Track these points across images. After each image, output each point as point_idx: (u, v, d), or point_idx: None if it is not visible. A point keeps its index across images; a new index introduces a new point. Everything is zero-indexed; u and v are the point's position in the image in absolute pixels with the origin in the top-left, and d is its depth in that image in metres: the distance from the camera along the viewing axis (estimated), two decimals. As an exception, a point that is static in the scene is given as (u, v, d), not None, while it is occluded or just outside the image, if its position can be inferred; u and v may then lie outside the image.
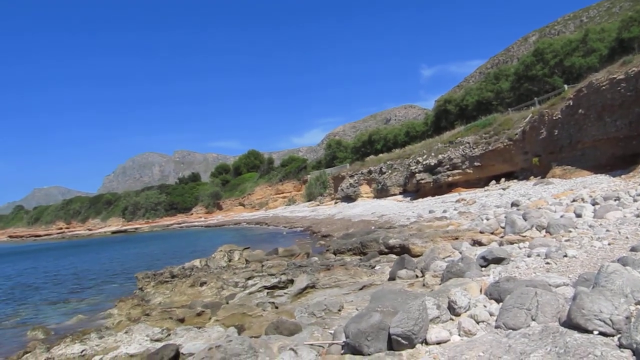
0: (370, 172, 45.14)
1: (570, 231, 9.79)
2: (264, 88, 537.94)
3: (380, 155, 48.76)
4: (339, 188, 49.82)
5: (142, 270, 16.94)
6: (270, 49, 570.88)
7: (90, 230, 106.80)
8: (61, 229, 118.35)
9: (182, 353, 6.92)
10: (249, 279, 13.18)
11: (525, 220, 11.57)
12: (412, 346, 4.82)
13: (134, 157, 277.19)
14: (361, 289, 9.80)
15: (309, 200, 62.65)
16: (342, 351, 5.22)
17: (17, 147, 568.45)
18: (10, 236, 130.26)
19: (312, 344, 5.52)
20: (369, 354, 4.87)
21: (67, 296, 16.58)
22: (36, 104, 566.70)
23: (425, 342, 4.91)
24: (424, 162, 34.91)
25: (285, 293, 10.76)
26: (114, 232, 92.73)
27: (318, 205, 54.92)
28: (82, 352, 7.94)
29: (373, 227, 22.14)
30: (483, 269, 8.22)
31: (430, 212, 23.51)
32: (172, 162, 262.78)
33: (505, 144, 28.45)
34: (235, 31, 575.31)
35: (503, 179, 28.30)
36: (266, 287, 11.56)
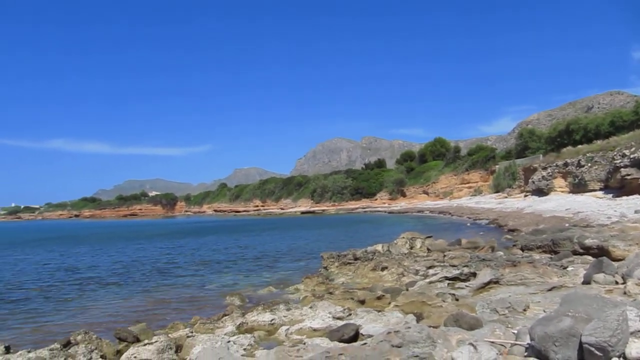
0: (566, 164, 41.80)
1: None
2: (452, 74, 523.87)
3: (579, 146, 44.80)
4: (530, 180, 46.99)
5: (327, 250, 17.79)
6: (459, 34, 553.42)
7: (282, 209, 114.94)
8: (257, 206, 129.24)
9: (361, 334, 7.13)
10: (430, 268, 13.12)
11: None
12: (607, 359, 4.40)
13: (324, 142, 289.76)
14: (550, 289, 9.17)
15: (496, 192, 60.17)
16: (526, 353, 4.96)
17: (222, 131, 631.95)
18: (215, 210, 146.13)
19: (492, 342, 5.33)
20: (555, 361, 4.56)
21: (261, 269, 18.16)
22: (236, 86, 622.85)
23: (624, 356, 4.44)
24: (632, 156, 31.30)
25: (467, 286, 10.50)
26: (302, 213, 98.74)
27: (506, 197, 52.57)
28: (271, 320, 8.63)
29: (567, 225, 20.61)
30: (701, 281, 7.16)
31: (636, 212, 21.16)
32: (359, 147, 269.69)
33: None
34: (425, 15, 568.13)
35: None
36: (447, 278, 11.40)
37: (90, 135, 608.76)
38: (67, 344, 7.37)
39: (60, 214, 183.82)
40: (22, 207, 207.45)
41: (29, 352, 6.65)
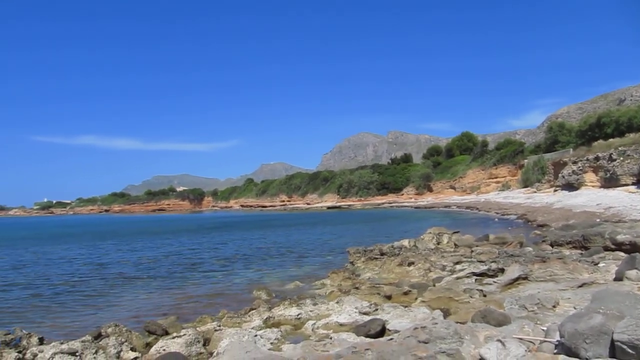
0: (597, 158, 40.98)
1: None
2: (479, 68, 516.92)
3: (611, 140, 43.84)
4: (560, 175, 46.18)
5: (353, 245, 17.76)
6: (488, 28, 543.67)
7: (308, 204, 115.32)
8: (283, 201, 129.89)
9: (388, 329, 7.12)
10: (457, 263, 13.02)
11: None
12: (640, 357, 4.30)
13: (350, 137, 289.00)
14: (580, 286, 9.00)
15: (524, 187, 59.33)
16: (555, 350, 4.88)
17: (249, 127, 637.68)
18: (242, 205, 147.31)
19: (521, 338, 5.26)
20: (586, 359, 4.48)
21: (287, 263, 18.24)
22: (262, 82, 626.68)
23: (657, 354, 4.34)
24: (667, 150, 30.51)
25: (495, 282, 10.37)
26: (329, 208, 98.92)
27: (534, 192, 51.84)
28: (297, 315, 8.67)
29: (598, 220, 20.21)
30: None
31: (671, 207, 20.59)
32: (385, 142, 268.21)
33: None
34: (453, 9, 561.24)
35: None
36: (475, 274, 11.29)
37: (119, 131, 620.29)
38: (98, 336, 7.53)
39: (91, 209, 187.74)
40: (54, 202, 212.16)
41: (61, 343, 6.81)
